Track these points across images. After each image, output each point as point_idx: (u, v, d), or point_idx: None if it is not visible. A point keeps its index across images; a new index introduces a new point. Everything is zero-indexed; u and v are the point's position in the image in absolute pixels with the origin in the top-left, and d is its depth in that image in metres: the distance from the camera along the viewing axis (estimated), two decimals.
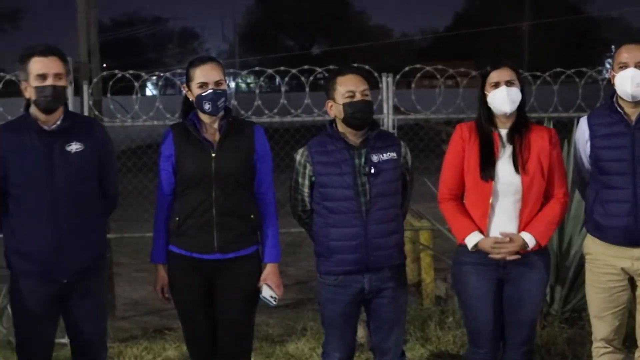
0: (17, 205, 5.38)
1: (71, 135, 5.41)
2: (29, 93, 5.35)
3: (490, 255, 5.51)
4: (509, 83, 5.50)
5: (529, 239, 5.50)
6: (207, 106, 5.49)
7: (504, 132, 5.58)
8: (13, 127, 5.47)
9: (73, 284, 5.43)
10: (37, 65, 5.31)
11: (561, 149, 5.81)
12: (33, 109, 5.39)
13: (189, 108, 5.64)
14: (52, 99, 5.31)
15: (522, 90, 5.58)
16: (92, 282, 5.57)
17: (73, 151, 5.39)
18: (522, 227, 5.53)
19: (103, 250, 5.73)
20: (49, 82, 5.30)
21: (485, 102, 5.56)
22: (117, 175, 5.86)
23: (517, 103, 5.51)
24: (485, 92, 5.55)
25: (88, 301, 5.54)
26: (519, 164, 5.48)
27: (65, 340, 5.81)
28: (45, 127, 5.38)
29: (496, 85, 5.51)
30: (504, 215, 5.53)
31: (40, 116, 5.37)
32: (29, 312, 5.45)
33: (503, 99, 5.48)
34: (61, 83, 5.35)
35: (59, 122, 5.40)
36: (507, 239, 5.48)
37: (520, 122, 5.58)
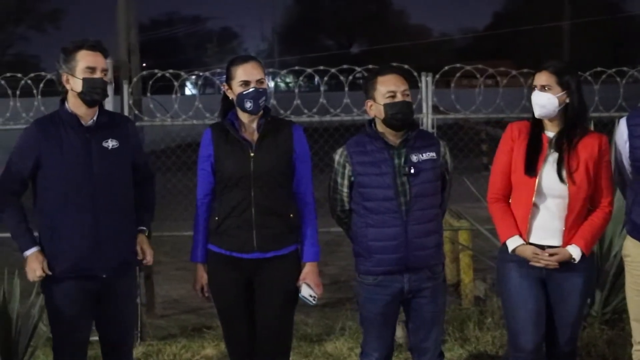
0: (54, 201, 5.41)
1: (107, 132, 5.46)
2: (73, 85, 5.38)
3: (531, 263, 5.50)
4: (543, 88, 5.47)
5: (577, 253, 5.49)
6: (248, 105, 5.49)
7: (551, 134, 5.55)
8: (49, 122, 5.49)
9: (110, 280, 5.48)
10: (87, 58, 5.36)
11: None
12: (71, 104, 5.43)
13: (228, 107, 5.65)
14: (101, 91, 5.37)
15: (579, 96, 5.53)
16: (126, 278, 5.64)
17: (110, 147, 5.44)
18: (568, 230, 5.51)
19: (135, 246, 5.74)
20: (98, 75, 5.35)
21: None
22: (148, 158, 5.87)
23: (549, 108, 5.47)
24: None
25: (121, 296, 5.60)
26: (564, 173, 5.45)
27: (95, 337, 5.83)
28: (83, 123, 5.42)
29: (535, 88, 5.51)
30: (548, 215, 5.51)
31: (80, 111, 5.41)
32: (66, 312, 5.48)
33: (534, 102, 5.50)
34: (106, 79, 5.43)
35: (95, 118, 5.45)
36: (547, 254, 5.47)
37: (569, 128, 5.53)
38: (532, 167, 5.49)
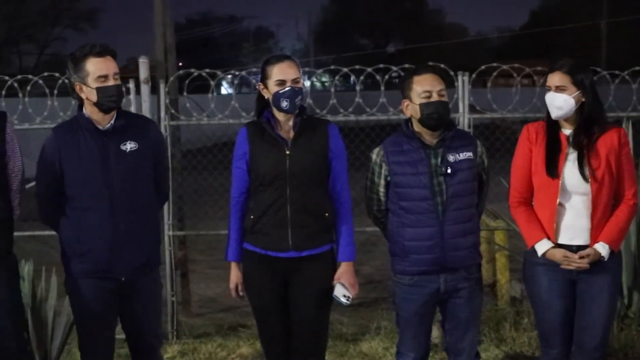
0: (73, 205, 5.44)
1: (125, 135, 5.47)
2: (87, 94, 5.39)
3: (562, 266, 5.47)
4: (558, 88, 5.43)
5: (605, 251, 5.45)
6: (284, 104, 5.49)
7: (568, 132, 5.51)
8: (68, 128, 5.51)
9: (130, 282, 5.50)
10: (97, 66, 5.35)
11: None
12: (88, 109, 5.44)
13: (264, 106, 5.65)
14: (117, 98, 5.39)
15: (593, 93, 5.49)
16: (147, 279, 5.64)
17: (128, 150, 5.45)
18: (595, 228, 5.47)
19: (158, 246, 5.79)
20: (111, 82, 5.36)
21: None
22: (168, 172, 5.88)
23: (565, 109, 5.43)
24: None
25: (144, 297, 5.61)
26: (586, 171, 5.41)
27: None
28: (100, 127, 5.44)
29: (550, 89, 5.47)
30: (574, 214, 5.48)
31: (97, 116, 5.43)
32: (89, 311, 5.52)
33: (550, 104, 5.46)
34: (119, 81, 5.43)
35: (113, 122, 5.46)
36: (577, 256, 5.43)
37: (586, 126, 5.49)
38: (554, 168, 5.45)
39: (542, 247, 5.50)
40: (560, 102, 5.41)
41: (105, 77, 5.34)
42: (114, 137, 5.44)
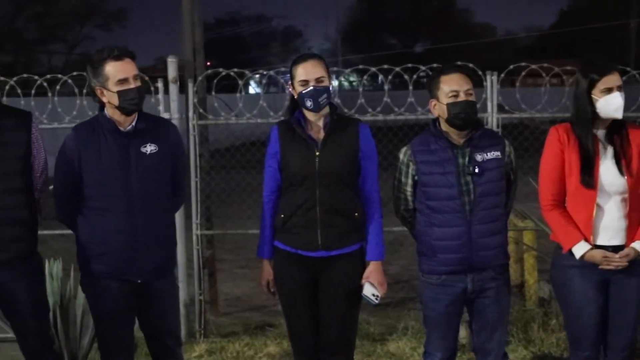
0: (91, 206, 5.46)
1: (146, 137, 5.48)
2: (109, 98, 5.40)
3: (601, 267, 5.43)
4: (620, 88, 5.40)
5: None
6: (308, 103, 5.51)
7: (601, 133, 5.47)
8: (88, 128, 5.52)
9: (146, 283, 5.52)
10: (116, 69, 5.36)
11: None
12: (110, 111, 5.45)
13: (295, 106, 5.66)
14: (138, 100, 5.40)
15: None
16: (164, 281, 5.65)
17: (148, 152, 5.45)
18: (630, 227, 5.43)
19: (174, 248, 5.81)
20: (131, 84, 5.37)
21: (590, 104, 5.44)
22: (185, 175, 5.88)
23: (622, 109, 5.42)
24: (594, 97, 5.43)
25: (159, 299, 5.63)
26: (622, 166, 5.38)
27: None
28: (121, 129, 5.45)
29: (609, 90, 5.39)
30: (612, 214, 5.44)
31: (119, 118, 5.44)
32: (106, 312, 5.54)
33: (618, 105, 5.38)
34: (139, 83, 5.44)
35: (134, 124, 5.47)
36: (617, 256, 5.40)
37: (618, 122, 5.47)
38: (591, 169, 5.41)
39: (581, 249, 5.46)
40: (622, 101, 5.38)
41: (125, 80, 5.36)
42: (135, 139, 5.45)
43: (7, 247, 5.41)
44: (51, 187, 5.63)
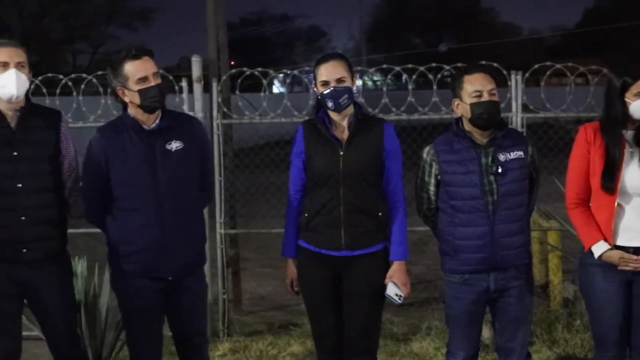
0: (119, 205, 5.48)
1: (171, 134, 5.49)
2: (130, 97, 5.42)
3: (619, 267, 5.41)
4: None
5: None
6: (329, 104, 5.51)
7: (629, 134, 5.44)
8: (113, 128, 5.54)
9: (177, 281, 5.53)
10: (135, 68, 5.38)
11: None
12: (133, 111, 5.47)
13: (320, 106, 5.66)
14: (159, 97, 5.41)
15: None
16: (193, 278, 5.67)
17: (173, 149, 5.46)
18: None
19: (204, 244, 5.80)
20: (152, 82, 5.38)
21: (622, 107, 5.40)
22: (213, 171, 5.88)
23: None
24: (626, 100, 5.38)
25: (190, 296, 5.64)
26: None
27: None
28: (145, 127, 5.46)
29: None
30: (632, 218, 5.41)
31: (142, 117, 5.46)
32: (135, 310, 5.57)
33: None
34: (159, 80, 5.45)
35: (158, 121, 5.49)
36: (634, 257, 5.37)
37: None
38: (613, 174, 5.38)
39: (599, 249, 5.44)
40: None
41: (145, 78, 5.37)
42: (160, 136, 5.46)
43: (36, 246, 5.45)
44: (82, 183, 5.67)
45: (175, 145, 5.47)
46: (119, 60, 5.41)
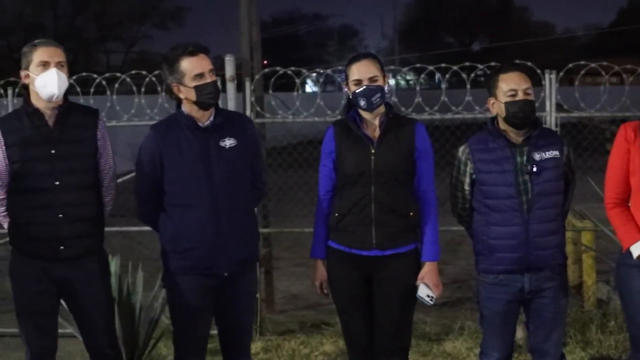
0: (174, 202, 5.49)
1: (224, 131, 5.50)
2: (186, 94, 5.43)
3: None
4: None
5: None
6: (362, 102, 5.50)
7: None
8: (168, 126, 5.57)
9: (231, 277, 5.53)
10: (192, 65, 5.39)
11: None
12: (188, 108, 5.49)
13: (352, 105, 5.66)
14: (215, 94, 5.42)
15: None
16: (246, 275, 5.66)
17: (227, 146, 5.48)
18: None
19: (256, 242, 5.82)
20: (207, 79, 5.40)
21: None
22: (264, 169, 5.89)
23: None
24: None
25: (241, 293, 5.64)
26: None
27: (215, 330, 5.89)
28: (200, 124, 5.48)
29: None
30: None
31: (197, 114, 5.47)
32: (187, 308, 5.56)
33: None
34: (214, 77, 5.48)
35: (212, 119, 5.50)
36: None
37: None
38: None
39: (638, 249, 5.39)
40: None
41: (201, 74, 5.39)
42: (214, 133, 5.48)
43: (73, 244, 5.50)
44: (119, 180, 5.69)
45: (229, 142, 5.49)
46: (175, 56, 5.43)
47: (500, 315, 5.60)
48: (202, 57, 5.43)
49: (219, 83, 5.51)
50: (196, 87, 5.38)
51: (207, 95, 5.40)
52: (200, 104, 5.43)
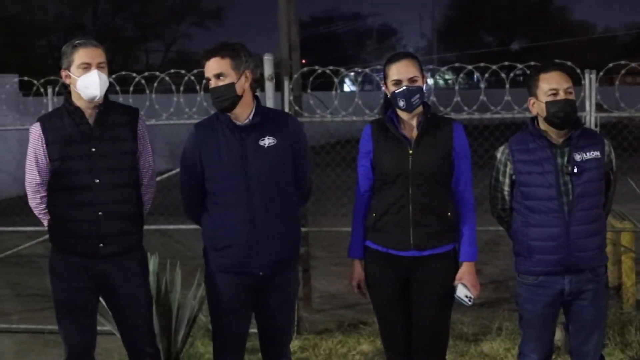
0: (213, 200, 5.52)
1: (264, 130, 5.50)
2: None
3: None
4: None
5: None
6: (401, 103, 5.49)
7: None
8: (209, 125, 5.59)
9: (268, 276, 5.53)
10: (208, 68, 5.44)
11: None
12: None
13: (389, 104, 5.65)
14: (222, 99, 5.41)
15: None
16: (285, 274, 5.66)
17: (266, 145, 5.47)
18: None
19: (297, 241, 5.81)
20: (212, 84, 5.42)
21: None
22: (311, 166, 5.88)
23: None
24: None
25: (280, 293, 5.64)
26: None
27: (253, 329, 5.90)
28: (238, 123, 5.48)
29: None
30: None
31: (232, 113, 5.48)
32: (225, 305, 5.58)
33: None
34: (224, 81, 5.41)
35: (250, 118, 5.50)
36: None
37: None
38: None
39: None
40: None
41: (217, 76, 5.40)
42: (252, 132, 5.48)
43: (113, 241, 5.54)
44: (157, 178, 5.72)
45: (268, 141, 5.49)
46: (202, 58, 5.48)
47: (539, 317, 5.57)
48: (214, 60, 5.42)
49: (246, 84, 5.47)
50: (211, 90, 5.44)
51: (215, 100, 5.42)
52: (216, 108, 5.48)
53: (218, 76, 5.41)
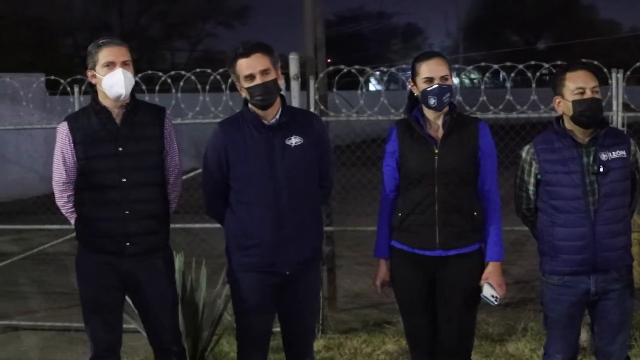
0: (238, 199, 5.52)
1: (290, 129, 5.50)
2: (244, 93, 5.46)
3: None
4: None
5: None
6: (432, 101, 5.48)
7: None
8: (234, 123, 5.58)
9: (293, 276, 5.53)
10: (243, 66, 5.40)
11: None
12: (251, 105, 5.50)
13: (414, 104, 5.64)
14: (263, 97, 5.40)
15: None
16: (309, 273, 5.67)
17: (293, 145, 5.48)
18: None
19: (321, 240, 5.82)
20: (257, 81, 5.37)
21: None
22: (333, 166, 5.88)
23: None
24: None
25: (304, 292, 5.65)
26: None
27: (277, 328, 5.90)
28: (265, 122, 5.48)
29: None
30: None
31: (260, 112, 5.48)
32: (250, 304, 5.59)
33: None
34: (269, 77, 5.41)
35: (277, 117, 5.50)
36: None
37: None
38: None
39: None
40: None
41: (251, 76, 5.38)
42: (279, 132, 5.48)
43: (139, 240, 5.56)
44: (183, 177, 5.73)
45: (295, 140, 5.49)
46: (232, 57, 5.45)
47: (565, 317, 5.55)
48: (256, 57, 5.40)
49: (282, 82, 5.48)
50: (248, 89, 5.41)
51: (256, 98, 5.40)
52: (254, 105, 5.45)
53: (263, 72, 5.40)
